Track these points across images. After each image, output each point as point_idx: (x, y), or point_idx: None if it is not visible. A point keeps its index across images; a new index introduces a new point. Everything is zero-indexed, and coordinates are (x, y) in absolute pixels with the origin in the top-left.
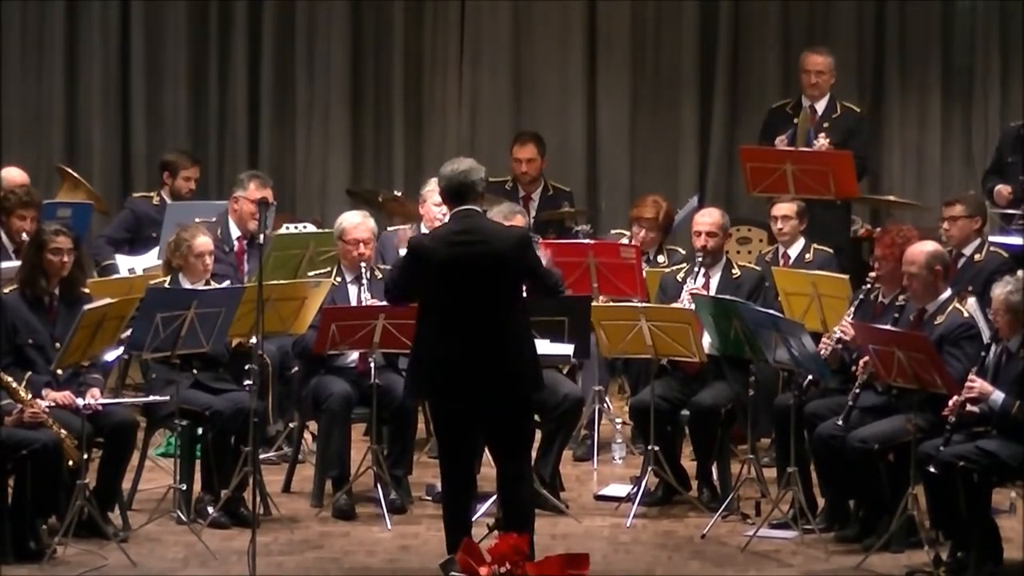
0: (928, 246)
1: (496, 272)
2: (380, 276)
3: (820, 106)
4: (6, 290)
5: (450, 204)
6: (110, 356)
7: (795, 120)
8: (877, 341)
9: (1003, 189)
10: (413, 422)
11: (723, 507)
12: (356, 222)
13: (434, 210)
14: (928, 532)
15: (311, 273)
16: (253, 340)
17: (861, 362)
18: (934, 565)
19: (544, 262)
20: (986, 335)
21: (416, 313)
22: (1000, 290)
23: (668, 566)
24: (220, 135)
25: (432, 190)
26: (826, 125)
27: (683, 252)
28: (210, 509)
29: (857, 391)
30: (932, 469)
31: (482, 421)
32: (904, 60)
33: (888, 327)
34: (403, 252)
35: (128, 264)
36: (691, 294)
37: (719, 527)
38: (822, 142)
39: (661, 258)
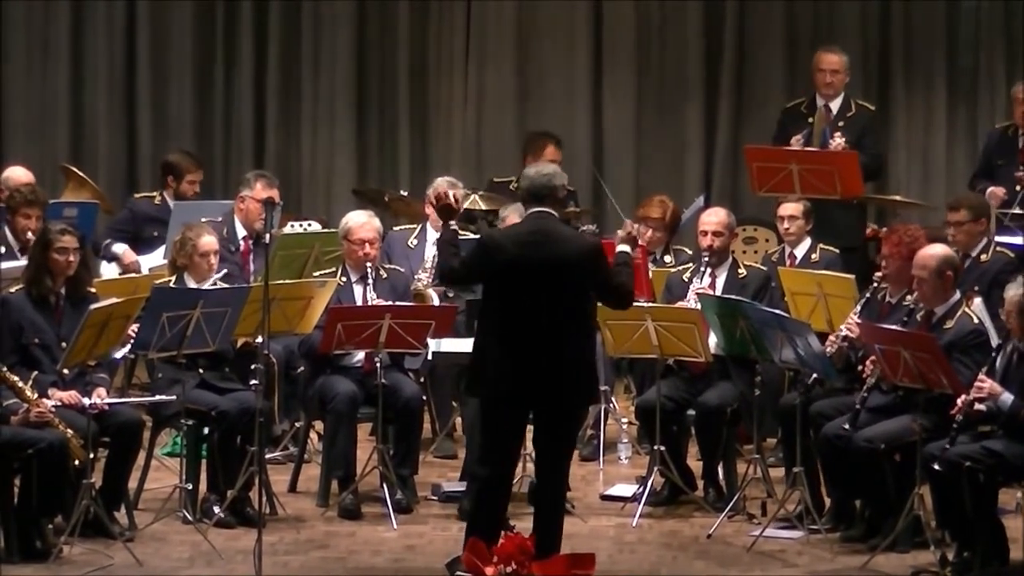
0: (939, 250)
1: (562, 278)
2: (385, 276)
3: (835, 105)
4: (12, 289)
5: (527, 205)
6: (117, 354)
7: (810, 120)
8: (883, 341)
9: (996, 191)
10: (419, 422)
11: (729, 507)
12: (361, 222)
13: None
14: (934, 532)
15: (316, 273)
16: (259, 340)
17: (868, 363)
18: (940, 565)
19: (627, 245)
20: (993, 335)
21: (427, 313)
22: (1012, 292)
23: (673, 566)
24: (226, 135)
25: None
26: (841, 124)
27: (689, 252)
28: (216, 508)
29: (865, 395)
30: (937, 467)
31: (529, 420)
32: (909, 60)
33: (894, 327)
34: None
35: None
36: (697, 294)
37: (725, 527)
38: (838, 141)
39: (668, 258)
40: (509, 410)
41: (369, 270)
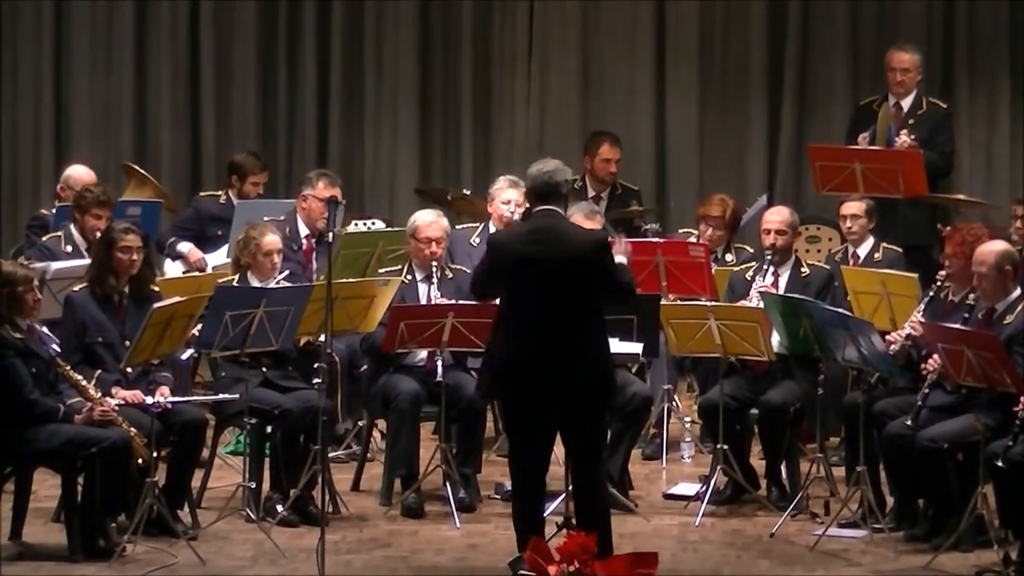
0: (997, 246)
1: (570, 274)
2: (450, 275)
3: (906, 103)
4: (76, 288)
5: (532, 203)
6: (183, 355)
7: None
8: (946, 340)
9: None
10: (482, 420)
11: (792, 506)
12: (429, 220)
13: (502, 208)
14: (997, 531)
15: (380, 271)
16: (322, 338)
17: (930, 361)
18: (1003, 564)
19: (623, 257)
20: None
21: (491, 312)
22: None
23: (737, 565)
24: (289, 134)
25: (500, 188)
26: (911, 122)
27: (751, 250)
28: (279, 507)
29: (926, 391)
30: (1000, 463)
31: (555, 421)
32: (972, 58)
33: (957, 326)
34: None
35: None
36: (760, 293)
37: (788, 526)
38: (904, 139)
39: (729, 256)
40: (524, 410)
41: (434, 269)
